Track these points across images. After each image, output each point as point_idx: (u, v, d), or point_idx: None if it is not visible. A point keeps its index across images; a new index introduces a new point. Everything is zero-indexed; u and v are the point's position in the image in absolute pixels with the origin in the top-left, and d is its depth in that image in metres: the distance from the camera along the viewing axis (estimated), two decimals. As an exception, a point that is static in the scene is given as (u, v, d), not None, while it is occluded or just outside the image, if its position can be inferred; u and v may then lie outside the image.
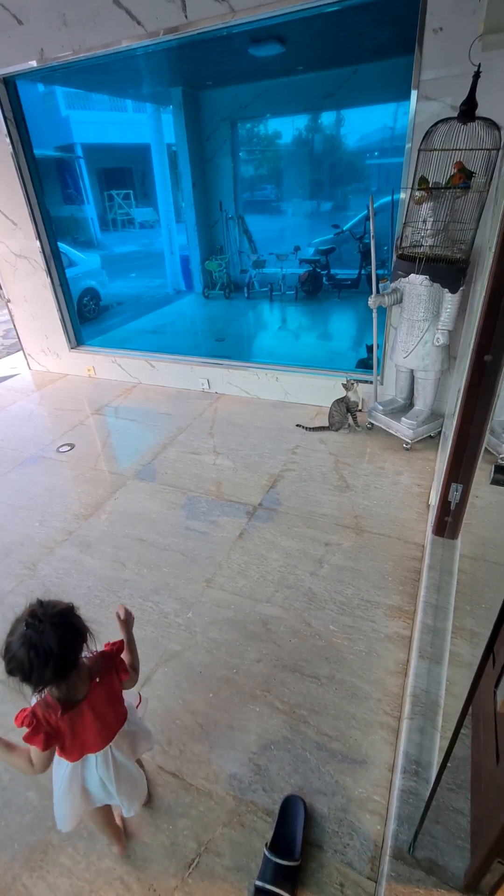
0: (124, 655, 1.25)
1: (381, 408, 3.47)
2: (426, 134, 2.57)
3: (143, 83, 6.73)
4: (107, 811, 1.38)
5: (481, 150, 2.44)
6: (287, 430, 3.68)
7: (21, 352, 5.34)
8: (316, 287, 7.46)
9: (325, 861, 1.38)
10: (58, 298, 4.71)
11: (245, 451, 3.43)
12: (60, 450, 3.63)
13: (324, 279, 7.49)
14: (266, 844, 1.38)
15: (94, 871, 1.40)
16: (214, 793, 1.55)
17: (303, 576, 2.34)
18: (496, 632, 1.25)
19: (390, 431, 3.40)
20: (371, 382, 3.62)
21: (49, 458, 3.53)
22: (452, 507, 2.22)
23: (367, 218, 5.24)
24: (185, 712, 1.78)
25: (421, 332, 3.00)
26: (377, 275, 3.22)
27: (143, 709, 1.48)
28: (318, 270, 7.39)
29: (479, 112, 2.37)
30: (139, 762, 1.45)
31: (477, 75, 2.27)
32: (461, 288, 2.75)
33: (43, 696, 1.07)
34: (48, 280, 4.59)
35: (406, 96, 2.74)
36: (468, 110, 2.35)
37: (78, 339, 5.00)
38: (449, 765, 1.20)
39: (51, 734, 1.08)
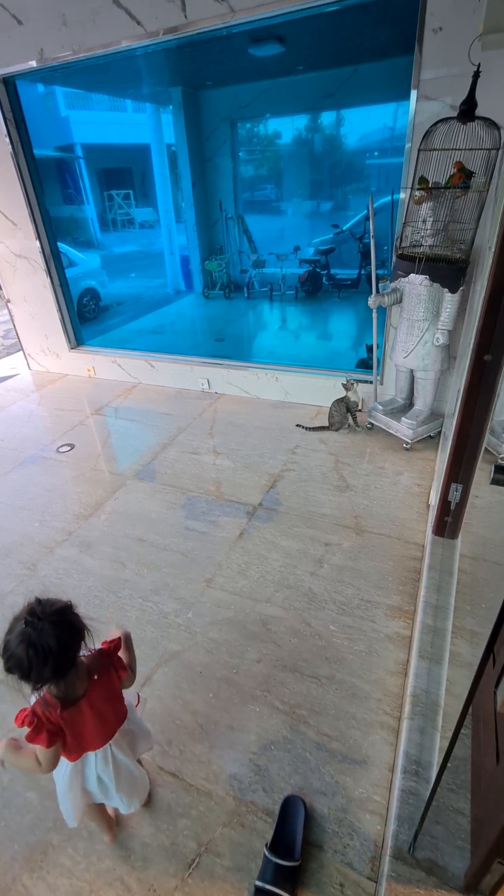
0: (122, 654, 1.25)
1: (381, 408, 3.47)
2: (426, 134, 2.57)
3: (143, 83, 6.73)
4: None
5: (481, 149, 2.44)
6: (287, 430, 3.68)
7: (21, 352, 5.34)
8: (316, 287, 7.45)
9: (325, 861, 1.38)
10: (58, 298, 4.71)
11: (245, 451, 3.43)
12: (60, 450, 3.63)
13: (324, 279, 7.48)
14: (266, 845, 1.38)
15: (94, 871, 1.40)
16: (214, 793, 1.55)
17: (303, 576, 2.34)
18: (496, 632, 1.25)
19: (390, 431, 3.40)
20: (371, 382, 3.62)
21: (49, 459, 3.53)
22: (452, 506, 2.22)
23: (366, 218, 5.24)
24: (185, 712, 1.78)
25: (421, 331, 3.00)
26: (377, 275, 3.22)
27: (141, 709, 1.48)
28: (318, 270, 7.39)
29: (479, 112, 2.37)
30: (139, 762, 1.45)
31: (476, 75, 2.27)
32: (461, 288, 2.75)
33: (42, 694, 1.08)
34: (48, 280, 4.59)
35: (406, 96, 2.74)
36: (468, 110, 2.36)
37: (78, 339, 5.00)
38: (449, 765, 1.20)
39: (53, 731, 1.09)
